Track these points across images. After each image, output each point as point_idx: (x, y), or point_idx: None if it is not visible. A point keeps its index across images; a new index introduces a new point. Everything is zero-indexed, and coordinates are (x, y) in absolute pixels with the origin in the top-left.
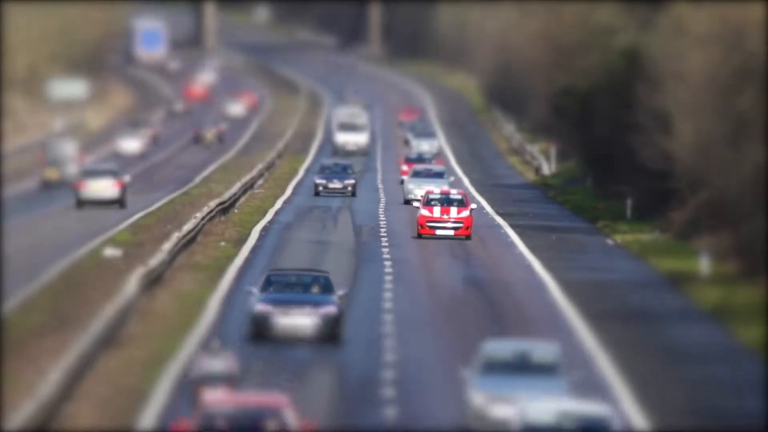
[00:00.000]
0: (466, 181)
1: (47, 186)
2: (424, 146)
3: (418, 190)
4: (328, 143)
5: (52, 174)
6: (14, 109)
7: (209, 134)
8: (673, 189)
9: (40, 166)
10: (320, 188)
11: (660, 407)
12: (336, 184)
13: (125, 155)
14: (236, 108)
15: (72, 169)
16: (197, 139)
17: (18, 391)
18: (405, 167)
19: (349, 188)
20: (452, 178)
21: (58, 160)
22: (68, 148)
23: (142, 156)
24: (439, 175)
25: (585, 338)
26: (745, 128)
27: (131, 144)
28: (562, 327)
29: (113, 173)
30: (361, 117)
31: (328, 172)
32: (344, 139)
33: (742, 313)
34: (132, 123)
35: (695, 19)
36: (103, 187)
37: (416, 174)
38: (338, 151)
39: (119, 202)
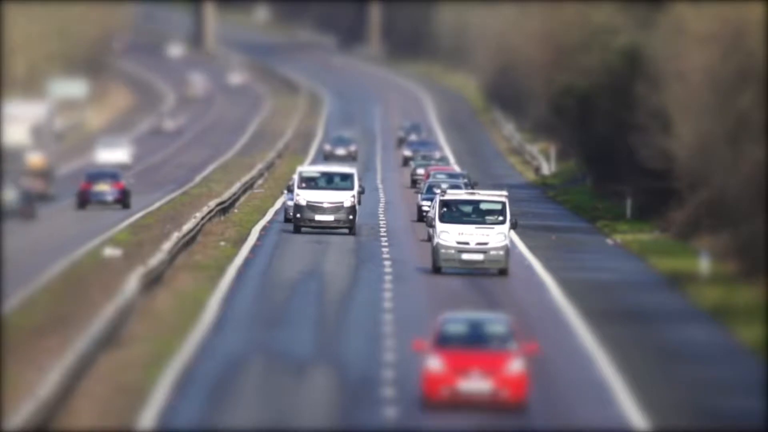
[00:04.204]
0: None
1: (188, 101)
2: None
3: None
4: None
5: (192, 94)
6: None
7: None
8: (673, 189)
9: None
10: None
11: (659, 407)
12: None
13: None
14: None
15: (199, 92)
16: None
17: (18, 391)
18: (438, 361)
19: None
20: None
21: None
22: (199, 79)
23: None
24: None
25: (584, 338)
26: (745, 128)
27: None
28: (562, 326)
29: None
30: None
31: None
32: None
33: (741, 313)
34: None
35: (695, 18)
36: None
37: None
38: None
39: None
